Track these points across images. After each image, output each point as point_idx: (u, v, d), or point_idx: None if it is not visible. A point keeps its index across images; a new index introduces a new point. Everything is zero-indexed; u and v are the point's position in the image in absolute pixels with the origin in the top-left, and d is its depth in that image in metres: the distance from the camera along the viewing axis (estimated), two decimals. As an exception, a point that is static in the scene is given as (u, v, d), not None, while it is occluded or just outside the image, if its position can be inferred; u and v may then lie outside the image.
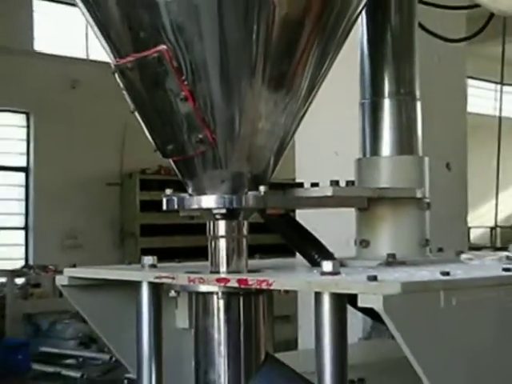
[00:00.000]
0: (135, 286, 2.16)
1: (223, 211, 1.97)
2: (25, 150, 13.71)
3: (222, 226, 2.02)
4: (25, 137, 13.68)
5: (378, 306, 1.54)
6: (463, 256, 2.31)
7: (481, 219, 10.58)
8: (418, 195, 2.30)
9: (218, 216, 1.99)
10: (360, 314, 3.29)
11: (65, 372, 5.34)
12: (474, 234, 12.23)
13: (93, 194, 12.80)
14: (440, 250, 2.56)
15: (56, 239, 12.54)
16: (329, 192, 2.05)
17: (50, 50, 13.15)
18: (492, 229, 9.27)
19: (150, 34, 1.88)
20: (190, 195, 2.01)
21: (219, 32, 1.87)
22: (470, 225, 9.99)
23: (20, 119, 13.66)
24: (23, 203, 13.58)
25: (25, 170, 13.76)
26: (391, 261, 2.21)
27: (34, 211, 13.40)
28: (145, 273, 2.12)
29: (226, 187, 1.98)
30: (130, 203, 13.04)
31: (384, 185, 2.32)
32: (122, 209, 13.42)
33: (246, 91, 1.92)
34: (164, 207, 2.06)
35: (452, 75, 4.47)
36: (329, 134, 2.99)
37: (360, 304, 1.59)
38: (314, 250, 2.10)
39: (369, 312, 1.73)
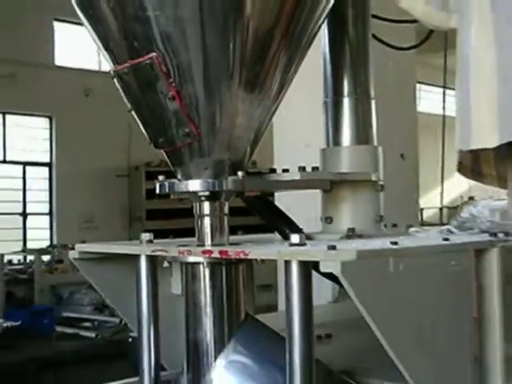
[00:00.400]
0: (135, 258, 2.14)
1: (207, 193, 1.97)
2: (48, 148, 13.74)
3: (206, 207, 2.02)
4: (48, 137, 13.72)
5: (336, 270, 1.55)
6: (411, 230, 2.33)
7: (432, 201, 10.61)
8: (373, 178, 2.30)
9: (202, 198, 1.99)
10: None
11: (82, 333, 5.40)
12: (427, 214, 12.31)
13: (105, 184, 12.83)
14: (394, 225, 2.57)
15: (75, 222, 12.59)
16: (297, 176, 2.06)
17: (68, 64, 13.17)
18: (440, 209, 9.32)
19: (142, 43, 1.88)
20: (179, 180, 2.01)
21: (201, 41, 1.87)
22: (422, 206, 10.03)
23: (44, 122, 13.70)
24: (47, 193, 13.63)
25: (48, 164, 13.80)
26: (351, 234, 2.23)
27: (57, 199, 13.47)
28: (142, 247, 2.12)
29: (209, 173, 1.98)
30: (136, 192, 13.05)
31: (344, 170, 2.33)
32: (130, 196, 13.44)
33: (224, 91, 1.92)
34: (157, 191, 2.06)
35: (404, 79, 4.49)
36: (301, 129, 2.97)
37: (322, 269, 1.59)
38: (285, 226, 2.11)
39: (331, 276, 1.73)
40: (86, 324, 5.65)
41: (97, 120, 12.24)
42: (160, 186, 2.05)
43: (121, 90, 2.01)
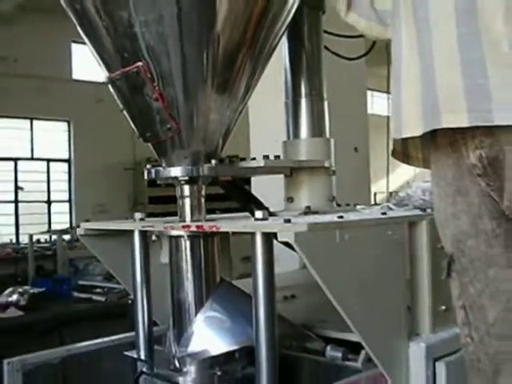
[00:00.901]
0: (130, 234, 2.13)
1: (186, 178, 1.94)
2: (67, 148, 13.74)
3: (186, 189, 1.99)
4: (67, 138, 13.73)
5: (291, 239, 1.53)
6: (358, 207, 2.31)
7: (383, 187, 10.71)
8: (326, 165, 2.29)
9: (182, 182, 1.97)
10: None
11: (94, 297, 5.41)
12: (379, 198, 12.35)
13: (114, 176, 12.84)
14: (347, 204, 2.55)
15: (89, 208, 12.54)
16: (262, 163, 2.03)
17: (83, 77, 13.14)
18: (390, 193, 9.42)
19: (130, 55, 1.84)
20: (163, 168, 1.97)
21: (180, 52, 1.84)
22: (375, 191, 10.07)
23: (63, 126, 13.69)
24: (67, 184, 13.65)
25: (67, 161, 13.78)
26: (307, 211, 2.22)
27: (75, 189, 13.46)
28: (135, 224, 2.10)
29: (188, 161, 1.95)
30: (140, 182, 12.98)
31: (302, 158, 2.31)
32: (135, 186, 13.42)
33: (200, 94, 1.89)
34: (145, 176, 2.03)
35: (357, 86, 4.52)
36: (271, 127, 2.90)
37: (279, 239, 1.58)
38: (252, 205, 2.08)
39: (289, 246, 1.71)
40: (97, 290, 5.65)
41: (107, 123, 12.14)
42: (148, 172, 2.03)
43: (114, 94, 1.98)
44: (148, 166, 2.02)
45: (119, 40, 1.86)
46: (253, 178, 3.60)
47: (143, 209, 12.53)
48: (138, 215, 2.13)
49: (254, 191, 3.56)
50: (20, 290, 4.95)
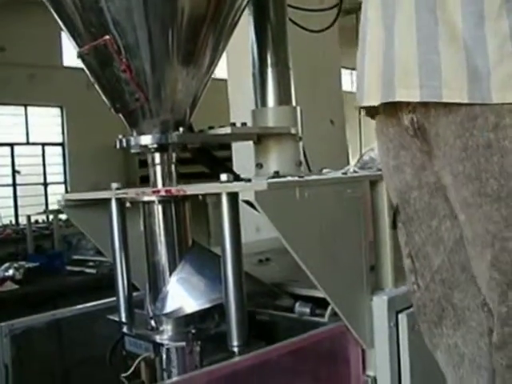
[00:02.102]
0: (108, 203, 2.11)
1: (155, 146, 1.93)
2: (61, 132, 13.71)
3: (157, 157, 1.98)
4: (60, 123, 13.70)
5: (251, 198, 1.52)
6: (324, 170, 2.29)
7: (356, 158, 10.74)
8: (293, 132, 2.27)
9: (152, 150, 1.95)
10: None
11: (86, 270, 5.41)
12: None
13: (106, 158, 12.72)
14: (320, 170, 2.53)
15: (84, 188, 12.40)
16: (228, 130, 2.01)
17: (74, 64, 13.03)
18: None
19: (98, 28, 1.83)
20: (134, 137, 1.96)
21: (145, 26, 1.82)
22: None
23: (56, 111, 13.66)
24: (62, 166, 13.64)
25: (62, 144, 13.78)
26: (275, 175, 2.19)
27: (69, 171, 13.48)
28: (110, 192, 2.08)
29: (158, 130, 1.93)
30: (131, 162, 12.92)
31: (270, 125, 2.29)
32: (126, 166, 13.36)
33: (166, 65, 1.88)
34: (117, 146, 2.02)
35: (331, 62, 4.48)
36: (248, 98, 2.83)
37: (241, 198, 1.57)
38: (220, 170, 2.06)
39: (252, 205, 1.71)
40: (90, 264, 5.64)
41: (98, 107, 11.97)
42: (119, 141, 2.01)
43: (85, 68, 1.96)
44: (120, 136, 2.00)
45: (87, 15, 1.84)
46: (233, 149, 3.60)
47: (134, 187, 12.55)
48: (114, 185, 2.12)
49: (234, 161, 3.57)
50: (16, 265, 4.95)
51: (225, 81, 4.06)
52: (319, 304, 1.96)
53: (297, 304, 2.00)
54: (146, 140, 1.92)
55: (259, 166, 2.29)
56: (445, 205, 1.35)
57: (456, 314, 1.39)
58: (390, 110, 1.36)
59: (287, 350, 1.72)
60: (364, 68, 1.36)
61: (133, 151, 2.06)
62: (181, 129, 1.91)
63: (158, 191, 1.86)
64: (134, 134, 1.97)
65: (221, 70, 2.71)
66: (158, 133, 1.92)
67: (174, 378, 1.79)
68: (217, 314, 1.98)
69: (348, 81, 14.70)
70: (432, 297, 1.43)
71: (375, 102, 1.32)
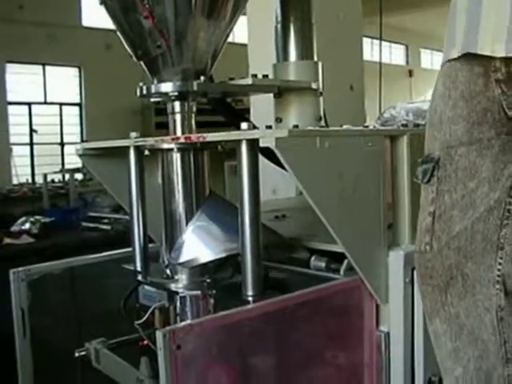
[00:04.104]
0: (127, 151, 2.12)
1: (176, 93, 1.91)
2: (78, 92, 13.74)
3: (177, 106, 1.97)
4: (78, 83, 13.71)
5: (271, 145, 1.50)
6: (344, 126, 2.27)
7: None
8: (314, 86, 2.24)
9: (173, 97, 1.94)
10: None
11: (101, 227, 5.44)
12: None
13: (123, 120, 12.71)
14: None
15: (100, 150, 12.59)
16: (250, 81, 2.00)
17: (93, 25, 13.04)
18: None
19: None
20: (155, 84, 1.95)
21: (169, -29, 1.79)
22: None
23: (75, 71, 13.68)
24: (79, 126, 13.70)
25: (79, 104, 13.83)
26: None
27: (86, 131, 13.53)
28: (129, 140, 2.08)
29: (178, 78, 1.92)
30: (148, 124, 12.96)
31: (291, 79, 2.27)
32: (143, 128, 13.28)
33: (188, 13, 1.85)
34: (138, 94, 2.00)
35: (352, 29, 4.45)
36: (268, 52, 2.79)
37: (261, 144, 1.55)
38: (240, 121, 2.04)
39: (271, 157, 1.70)
40: (105, 221, 5.67)
41: (116, 69, 12.06)
42: (140, 89, 1.99)
43: (108, 15, 1.95)
44: (140, 84, 1.98)
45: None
46: (251, 105, 3.57)
47: (150, 148, 12.60)
48: (133, 134, 2.11)
49: (252, 117, 3.55)
50: (32, 219, 4.98)
51: (245, 46, 4.03)
52: (335, 259, 1.96)
53: (312, 258, 2.00)
54: (167, 87, 1.90)
55: (278, 120, 2.27)
56: (490, 165, 1.30)
57: (464, 285, 1.34)
58: (472, 57, 1.30)
59: (302, 299, 1.72)
60: (480, 11, 1.27)
61: (152, 100, 2.05)
62: (202, 77, 1.89)
63: (178, 138, 1.85)
64: (155, 81, 1.95)
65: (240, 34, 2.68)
66: (178, 81, 1.90)
67: (187, 321, 1.80)
68: (232, 265, 1.99)
69: (368, 50, 14.60)
70: (443, 262, 1.37)
71: (499, 54, 1.26)
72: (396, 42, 22.28)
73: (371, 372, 1.91)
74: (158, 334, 1.43)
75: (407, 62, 24.11)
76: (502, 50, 1.21)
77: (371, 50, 15.14)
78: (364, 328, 1.89)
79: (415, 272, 1.45)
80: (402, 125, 2.03)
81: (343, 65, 4.07)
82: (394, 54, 22.90)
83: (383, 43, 18.59)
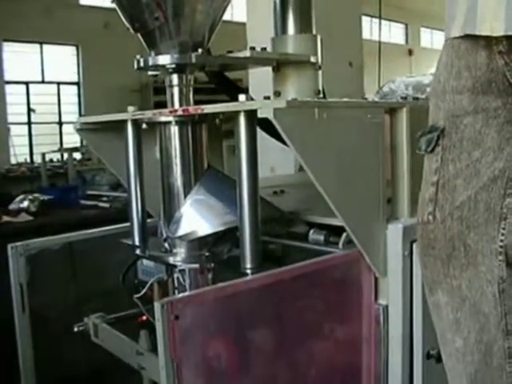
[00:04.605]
0: (124, 125, 2.11)
1: (173, 66, 1.90)
2: (76, 71, 13.69)
3: (174, 78, 1.96)
4: (76, 61, 13.66)
5: (270, 115, 1.49)
6: (344, 99, 2.26)
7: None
8: (312, 60, 2.23)
9: (170, 70, 1.93)
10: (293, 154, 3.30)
11: (100, 204, 5.42)
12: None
13: (121, 98, 12.58)
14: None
15: (98, 128, 12.57)
16: (248, 54, 1.98)
17: (90, 2, 12.99)
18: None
19: None
20: (152, 57, 1.94)
21: None
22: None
23: (72, 50, 13.62)
24: (77, 106, 13.67)
25: (77, 83, 13.79)
26: (293, 102, 2.18)
27: (84, 110, 13.51)
28: (126, 114, 2.07)
29: (176, 51, 1.90)
30: (146, 103, 12.91)
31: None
32: (141, 108, 13.30)
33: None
34: (135, 66, 1.99)
35: (351, 7, 4.44)
36: (264, 27, 2.77)
37: (259, 115, 1.53)
38: (237, 94, 2.03)
39: (270, 132, 1.69)
40: (103, 198, 5.66)
41: (114, 47, 12.04)
42: (137, 62, 1.97)
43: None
44: (137, 56, 1.97)
45: None
46: (250, 79, 3.56)
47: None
48: (130, 108, 2.10)
49: (250, 91, 3.54)
50: (30, 197, 4.96)
51: (243, 24, 4.01)
52: (333, 232, 1.96)
53: (311, 231, 2.00)
54: (165, 60, 1.89)
55: (277, 93, 2.25)
56: (495, 135, 1.29)
57: (467, 256, 1.33)
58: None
59: (301, 272, 1.72)
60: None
61: (150, 73, 2.04)
62: (199, 50, 1.88)
63: (176, 111, 1.84)
64: (152, 54, 1.94)
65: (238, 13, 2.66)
66: (176, 53, 1.89)
67: (185, 293, 1.80)
68: (230, 239, 1.99)
69: (367, 28, 14.53)
70: (446, 232, 1.35)
71: (497, 33, 1.24)
72: (395, 21, 22.14)
73: (370, 345, 1.91)
74: (156, 305, 1.43)
75: (407, 41, 23.99)
76: (501, 29, 1.20)
77: (370, 28, 15.05)
78: (362, 301, 1.89)
79: (417, 243, 1.44)
80: (402, 98, 2.02)
81: (342, 41, 4.07)
82: (393, 33, 22.77)
83: (382, 22, 18.52)
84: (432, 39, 24.57)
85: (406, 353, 1.90)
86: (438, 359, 1.86)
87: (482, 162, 1.30)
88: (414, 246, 1.86)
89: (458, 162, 1.33)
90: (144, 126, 2.05)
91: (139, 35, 1.94)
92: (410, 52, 23.40)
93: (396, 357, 1.90)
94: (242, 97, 1.67)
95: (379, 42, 6.68)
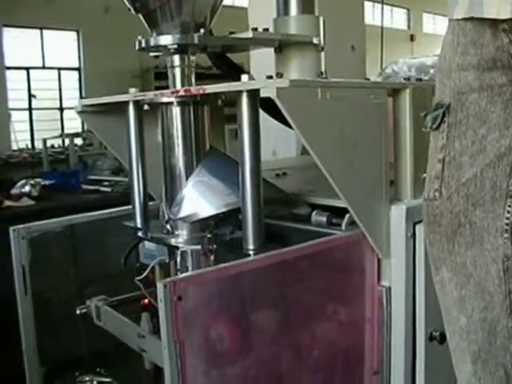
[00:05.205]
0: (126, 107, 2.10)
1: (175, 46, 1.88)
2: (77, 56, 13.65)
3: (176, 59, 1.95)
4: (76, 47, 13.63)
5: (272, 95, 1.48)
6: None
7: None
8: (315, 41, 2.21)
9: (172, 51, 1.91)
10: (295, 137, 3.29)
11: (102, 189, 5.43)
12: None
13: (122, 84, 12.57)
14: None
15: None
16: (250, 34, 1.97)
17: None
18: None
19: None
20: (154, 37, 1.92)
21: None
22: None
23: (73, 36, 13.56)
24: (78, 91, 13.64)
25: (78, 69, 13.75)
26: (295, 84, 2.16)
27: (85, 96, 13.41)
28: (128, 95, 2.06)
29: (177, 31, 1.89)
30: (147, 89, 12.80)
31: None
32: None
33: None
34: (136, 47, 1.97)
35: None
36: (266, 8, 2.74)
37: (262, 95, 1.52)
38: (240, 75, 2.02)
39: (273, 113, 1.68)
40: (105, 183, 5.66)
41: (115, 32, 12.01)
42: (139, 42, 1.95)
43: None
44: (139, 37, 1.95)
45: None
46: (251, 61, 3.54)
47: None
48: (132, 90, 2.09)
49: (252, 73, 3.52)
50: (32, 181, 4.97)
51: (245, 9, 3.99)
52: (336, 214, 1.96)
53: (313, 213, 1.99)
54: (166, 40, 1.88)
55: (279, 75, 2.22)
56: (501, 112, 1.29)
57: (472, 233, 1.32)
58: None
59: (303, 252, 1.71)
60: None
61: (151, 54, 2.02)
62: (201, 30, 1.87)
63: (177, 91, 1.83)
64: (154, 35, 1.92)
65: None
66: (178, 33, 1.87)
67: (187, 273, 1.80)
68: (233, 221, 1.98)
69: (370, 13, 14.46)
70: (452, 209, 1.35)
71: (505, 15, 1.24)
72: (397, 6, 22.05)
73: (372, 327, 1.91)
74: (159, 285, 1.42)
75: (409, 27, 23.90)
76: (507, 12, 1.19)
77: (373, 13, 14.99)
78: (365, 283, 1.89)
79: (423, 221, 1.43)
80: (404, 78, 2.01)
81: (344, 24, 4.05)
82: (395, 18, 22.69)
83: (384, 7, 18.42)
84: (434, 24, 24.47)
85: (409, 334, 1.90)
86: (441, 341, 1.86)
87: (487, 139, 1.29)
88: (417, 227, 1.86)
89: (463, 138, 1.32)
90: (146, 107, 2.04)
91: (140, 16, 1.93)
92: (412, 37, 23.31)
93: (399, 338, 1.90)
94: (244, 77, 1.66)
95: (381, 27, 6.66)
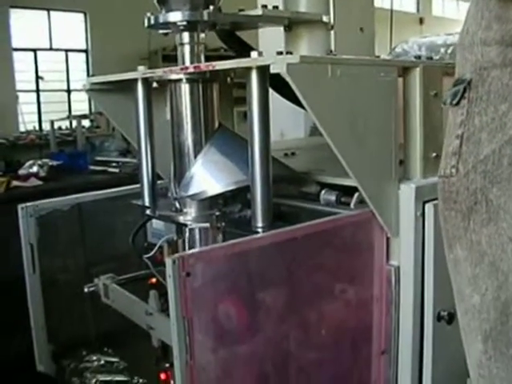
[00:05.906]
0: (135, 85, 2.09)
1: (184, 23, 1.87)
2: (84, 38, 13.61)
3: (185, 36, 1.93)
4: (84, 29, 13.57)
5: (282, 71, 1.47)
6: (356, 60, 2.24)
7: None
8: (324, 19, 2.20)
9: (181, 28, 1.90)
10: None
11: (109, 169, 5.44)
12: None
13: (130, 66, 12.27)
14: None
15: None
16: (260, 12, 1.96)
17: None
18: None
19: None
20: (163, 14, 1.91)
21: None
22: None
23: (80, 17, 13.50)
24: (85, 73, 13.57)
25: (85, 51, 13.70)
26: (306, 61, 2.15)
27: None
28: (137, 73, 2.05)
29: (187, 8, 1.87)
30: (155, 70, 12.86)
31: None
32: (151, 74, 13.31)
33: None
34: (146, 24, 1.96)
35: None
36: None
37: (272, 71, 1.51)
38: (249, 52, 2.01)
39: (283, 92, 1.66)
40: (113, 164, 5.66)
41: (122, 14, 11.96)
42: (148, 19, 1.94)
43: None
44: (148, 14, 1.94)
45: None
46: (260, 39, 3.53)
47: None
48: (141, 67, 2.08)
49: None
50: (39, 162, 4.98)
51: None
52: (345, 193, 1.95)
53: (322, 191, 1.99)
54: (176, 17, 1.86)
55: (289, 53, 2.23)
56: None
57: (488, 211, 1.30)
58: None
59: (312, 230, 1.71)
60: None
61: (161, 31, 2.01)
62: (211, 6, 1.85)
63: (187, 68, 1.82)
64: (163, 11, 1.91)
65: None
66: (187, 10, 1.86)
67: (196, 249, 1.80)
68: (241, 199, 1.98)
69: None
70: (468, 186, 1.33)
71: None
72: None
73: (381, 306, 1.91)
74: (168, 261, 1.42)
75: (418, 10, 23.71)
76: None
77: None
78: (374, 262, 1.88)
79: (438, 198, 1.42)
80: (415, 57, 2.00)
81: (353, 6, 4.01)
82: (404, 1, 22.51)
83: (394, -10, 18.33)
84: (444, 7, 24.27)
85: (417, 314, 1.89)
86: (449, 321, 1.86)
87: (508, 116, 1.27)
88: (427, 206, 1.85)
89: (484, 115, 1.30)
90: (154, 84, 2.03)
91: (150, -8, 1.91)
92: (421, 20, 23.13)
93: (407, 317, 1.90)
94: (254, 53, 1.65)
95: (391, 10, 6.63)
